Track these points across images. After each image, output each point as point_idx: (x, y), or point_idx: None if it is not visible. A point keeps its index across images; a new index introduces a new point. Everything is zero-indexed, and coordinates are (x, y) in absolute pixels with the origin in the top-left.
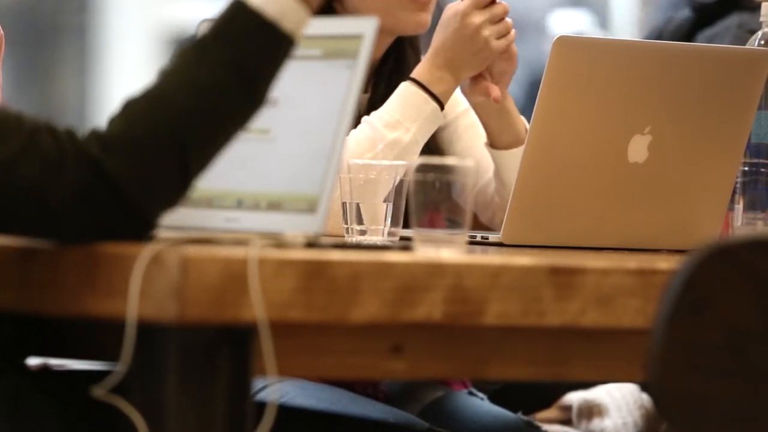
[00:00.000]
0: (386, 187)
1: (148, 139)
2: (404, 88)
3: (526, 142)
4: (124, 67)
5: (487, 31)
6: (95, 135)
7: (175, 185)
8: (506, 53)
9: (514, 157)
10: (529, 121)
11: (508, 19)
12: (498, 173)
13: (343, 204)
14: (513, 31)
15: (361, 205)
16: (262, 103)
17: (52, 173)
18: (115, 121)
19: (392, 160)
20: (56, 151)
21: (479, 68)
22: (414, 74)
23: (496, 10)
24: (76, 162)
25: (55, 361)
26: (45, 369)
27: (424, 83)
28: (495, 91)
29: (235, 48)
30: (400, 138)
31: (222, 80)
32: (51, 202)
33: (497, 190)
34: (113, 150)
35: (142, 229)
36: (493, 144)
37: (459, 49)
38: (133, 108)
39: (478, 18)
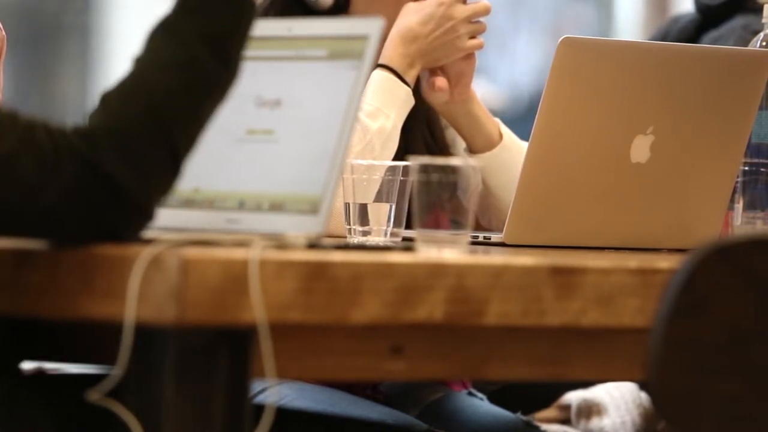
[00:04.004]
0: (388, 187)
1: (133, 128)
2: (378, 76)
3: (529, 142)
4: (127, 68)
5: (464, 29)
6: (79, 131)
7: (166, 169)
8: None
9: (488, 160)
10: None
11: (483, 21)
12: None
13: (346, 205)
14: (482, 41)
15: (363, 205)
16: (237, 70)
17: (48, 170)
18: (96, 116)
19: (380, 148)
20: (51, 149)
21: (441, 61)
22: (385, 60)
23: (478, 8)
24: (71, 159)
25: (49, 365)
26: (40, 373)
27: (398, 70)
28: (439, 81)
29: (199, 18)
30: (384, 126)
31: (193, 53)
32: (47, 200)
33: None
34: (101, 144)
35: (141, 221)
36: (469, 149)
37: (433, 39)
38: (111, 99)
39: (461, 12)
